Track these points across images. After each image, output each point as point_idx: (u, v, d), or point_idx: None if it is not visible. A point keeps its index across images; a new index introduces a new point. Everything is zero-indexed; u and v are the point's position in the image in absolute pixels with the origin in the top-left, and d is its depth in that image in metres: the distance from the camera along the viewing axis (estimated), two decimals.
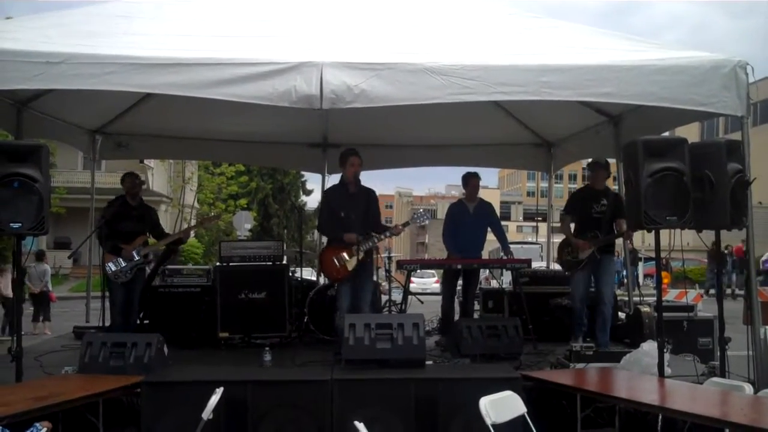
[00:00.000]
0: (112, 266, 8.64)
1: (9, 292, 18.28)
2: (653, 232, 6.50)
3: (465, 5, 8.48)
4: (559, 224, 9.54)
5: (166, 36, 6.73)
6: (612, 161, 9.45)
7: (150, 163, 35.25)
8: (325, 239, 9.34)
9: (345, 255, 8.14)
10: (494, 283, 13.59)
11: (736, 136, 7.36)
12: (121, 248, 8.70)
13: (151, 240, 9.19)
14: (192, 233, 16.04)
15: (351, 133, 11.18)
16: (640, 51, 7.07)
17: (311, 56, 6.18)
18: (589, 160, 9.65)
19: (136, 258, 8.73)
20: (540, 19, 8.16)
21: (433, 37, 7.19)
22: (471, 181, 9.90)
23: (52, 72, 5.99)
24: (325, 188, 11.54)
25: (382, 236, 8.32)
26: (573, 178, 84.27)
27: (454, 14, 8.05)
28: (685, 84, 6.60)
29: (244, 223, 30.74)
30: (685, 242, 7.39)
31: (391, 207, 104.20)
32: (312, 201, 55.06)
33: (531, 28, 7.77)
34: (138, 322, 9.22)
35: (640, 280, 25.52)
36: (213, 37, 6.77)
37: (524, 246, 32.69)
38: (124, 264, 8.68)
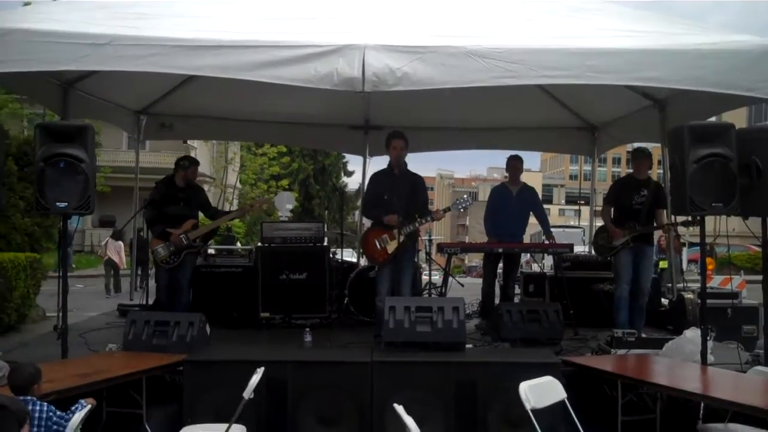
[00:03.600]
0: (160, 251, 8.64)
1: (116, 258, 19.28)
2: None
3: None
4: (600, 209, 9.51)
5: (209, 18, 6.74)
6: (657, 146, 9.35)
7: (193, 143, 35.47)
8: (366, 222, 9.37)
9: (386, 237, 8.14)
10: (535, 267, 13.54)
11: None
12: (169, 233, 8.68)
13: (205, 220, 9.19)
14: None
15: (393, 116, 11.16)
16: (687, 35, 6.95)
17: (353, 39, 6.15)
18: (634, 145, 9.56)
19: (185, 243, 8.72)
20: (585, 2, 8.06)
21: (476, 20, 7.11)
22: (514, 165, 9.85)
23: (98, 53, 6.03)
24: (367, 170, 11.62)
25: (423, 220, 8.30)
26: (617, 161, 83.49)
27: None
28: (734, 69, 6.45)
29: (286, 203, 30.84)
30: (731, 228, 7.28)
31: (432, 189, 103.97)
32: (353, 182, 55.08)
33: (576, 11, 7.65)
34: (169, 300, 9.27)
35: (684, 265, 25.21)
36: (256, 19, 6.78)
37: (566, 230, 32.47)
38: (172, 249, 8.68)
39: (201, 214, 9.28)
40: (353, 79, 6.06)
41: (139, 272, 11.93)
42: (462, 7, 7.54)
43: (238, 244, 26.84)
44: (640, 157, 9.16)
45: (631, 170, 9.42)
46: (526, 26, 7.15)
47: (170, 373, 6.30)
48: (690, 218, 7.14)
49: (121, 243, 20.29)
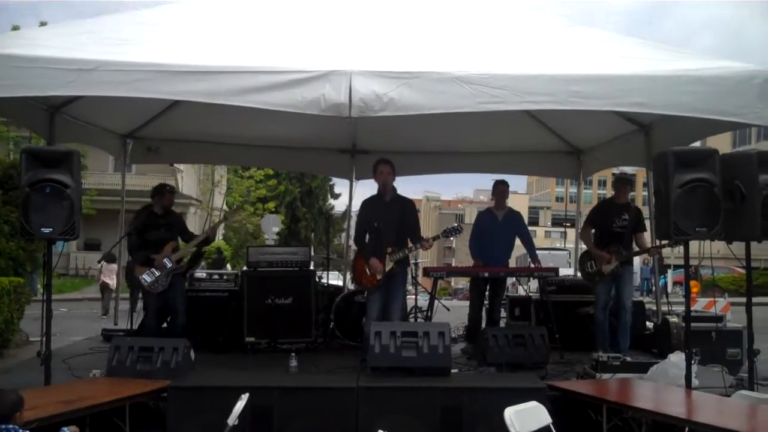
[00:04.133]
0: (147, 278, 8.57)
1: (109, 281, 19.26)
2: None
3: (494, 13, 8.46)
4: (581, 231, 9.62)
5: (195, 44, 6.76)
6: (642, 170, 9.44)
7: (180, 166, 35.46)
8: (353, 244, 9.38)
9: (373, 268, 8.15)
10: (521, 290, 13.53)
11: None
12: (152, 259, 8.64)
13: (182, 244, 9.21)
14: (220, 231, 16.14)
15: (379, 140, 11.21)
16: (671, 60, 7.01)
17: (340, 65, 6.18)
18: (621, 168, 9.68)
19: (169, 266, 8.68)
20: (570, 27, 8.13)
21: (462, 46, 7.15)
22: (500, 189, 9.89)
23: (85, 79, 6.04)
24: (353, 194, 11.64)
25: (414, 247, 8.33)
26: (602, 183, 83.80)
27: (484, 22, 8.03)
28: (718, 95, 6.51)
29: (272, 226, 30.81)
30: (715, 250, 7.32)
31: (419, 211, 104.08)
32: (340, 204, 55.22)
33: (561, 36, 7.72)
34: (165, 325, 9.25)
35: (669, 287, 25.31)
36: (242, 44, 6.80)
37: (552, 252, 32.57)
38: (158, 274, 8.63)
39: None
40: (340, 104, 6.09)
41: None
42: (447, 32, 7.59)
43: (228, 267, 26.76)
44: (622, 183, 9.52)
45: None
46: (511, 51, 7.20)
47: (154, 400, 6.26)
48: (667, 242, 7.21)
49: (114, 266, 20.18)
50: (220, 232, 15.22)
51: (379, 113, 6.21)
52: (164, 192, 9.13)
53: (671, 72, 6.63)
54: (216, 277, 11.16)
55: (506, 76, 6.39)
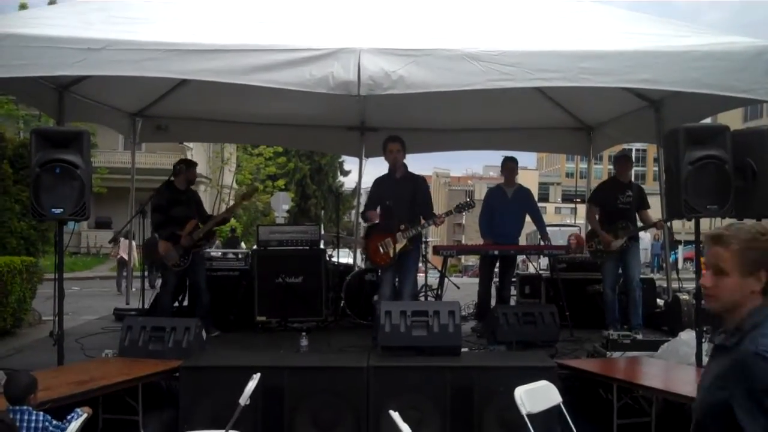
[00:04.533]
0: (173, 255, 8.66)
1: (127, 257, 19.51)
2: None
3: None
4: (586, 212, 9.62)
5: (205, 22, 6.74)
6: (652, 145, 9.42)
7: (189, 144, 35.47)
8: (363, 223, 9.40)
9: (389, 241, 8.14)
10: (530, 267, 13.52)
11: None
12: (178, 235, 8.69)
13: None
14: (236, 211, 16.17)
15: (388, 117, 11.18)
16: (681, 36, 6.95)
17: (349, 42, 6.15)
18: (627, 146, 9.65)
19: (191, 243, 8.77)
20: (579, 2, 8.07)
21: (472, 23, 7.11)
22: (509, 166, 9.87)
23: (94, 58, 6.02)
24: (363, 172, 11.63)
25: (426, 224, 8.35)
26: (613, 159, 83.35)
27: (494, 0, 7.98)
28: (728, 70, 6.45)
29: (282, 204, 30.84)
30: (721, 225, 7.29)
31: (428, 188, 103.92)
32: (349, 181, 55.13)
33: (570, 12, 7.66)
34: (177, 305, 9.29)
35: (679, 264, 25.25)
36: (251, 22, 6.78)
37: (562, 228, 32.44)
38: (181, 251, 8.71)
39: None
40: (349, 82, 6.06)
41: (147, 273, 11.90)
42: (457, 9, 7.53)
43: (243, 245, 26.80)
44: (625, 161, 9.60)
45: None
46: (521, 28, 7.16)
47: (166, 380, 6.30)
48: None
49: (133, 242, 20.41)
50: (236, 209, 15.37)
51: (387, 91, 6.18)
52: (189, 167, 9.20)
53: (680, 48, 6.58)
54: (229, 255, 11.17)
55: (516, 52, 6.34)
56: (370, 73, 6.06)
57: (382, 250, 8.21)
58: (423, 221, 8.36)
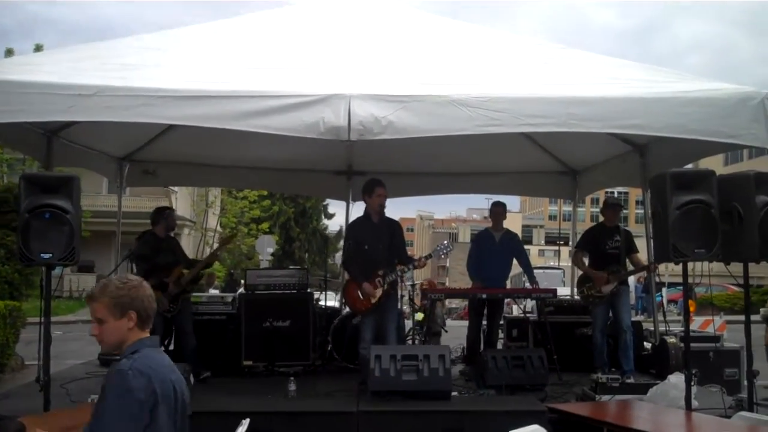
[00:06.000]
0: (161, 302, 8.60)
1: None
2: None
3: (491, 36, 8.53)
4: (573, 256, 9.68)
5: (197, 68, 6.78)
6: (634, 188, 9.53)
7: (174, 187, 35.45)
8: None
9: (368, 287, 8.12)
10: (515, 308, 13.52)
11: (760, 161, 7.35)
12: (165, 283, 8.69)
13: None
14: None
15: (376, 161, 11.22)
16: (666, 82, 7.06)
17: (339, 88, 6.19)
18: (609, 190, 9.74)
19: (179, 290, 8.79)
20: (565, 49, 8.19)
21: (460, 69, 7.20)
22: (497, 210, 9.95)
23: (85, 104, 6.03)
24: (350, 215, 11.63)
25: (406, 268, 8.33)
26: (596, 201, 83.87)
27: (481, 45, 8.09)
28: (714, 116, 6.55)
29: (267, 247, 30.77)
30: (708, 268, 7.32)
31: (412, 230, 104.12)
32: (333, 224, 55.28)
33: (557, 58, 7.79)
34: (163, 349, 9.22)
35: (664, 306, 25.30)
36: (242, 68, 6.81)
37: (546, 271, 32.51)
38: (170, 298, 8.72)
39: None
40: (339, 128, 6.09)
41: None
42: (446, 55, 7.63)
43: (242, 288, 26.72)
44: (612, 207, 9.53)
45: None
46: (509, 74, 7.24)
47: None
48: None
49: None
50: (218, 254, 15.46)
51: (378, 136, 6.21)
52: (168, 215, 9.23)
53: (668, 94, 6.68)
54: (215, 298, 11.14)
55: (505, 98, 6.41)
56: (361, 119, 6.09)
57: (360, 296, 8.17)
58: (403, 266, 8.32)
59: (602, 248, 9.15)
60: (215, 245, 35.90)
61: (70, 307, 30.54)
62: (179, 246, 9.56)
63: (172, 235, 9.53)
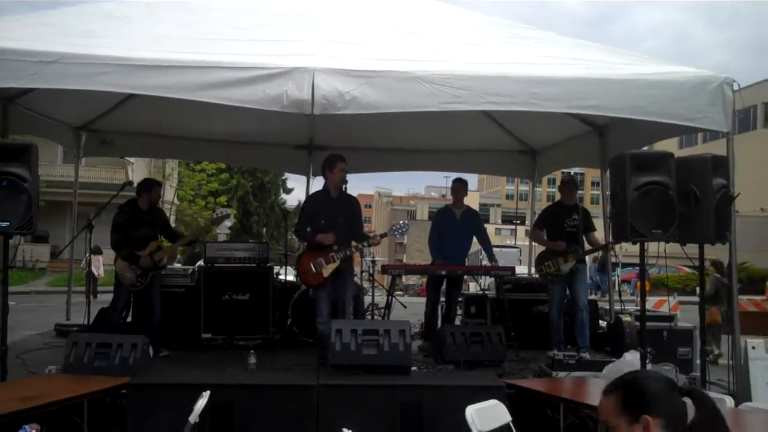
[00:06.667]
0: (128, 275, 8.53)
1: (95, 271, 20.84)
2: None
3: (457, 15, 8.54)
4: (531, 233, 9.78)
5: (159, 38, 6.72)
6: (590, 169, 9.63)
7: (130, 158, 35.04)
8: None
9: (322, 261, 8.01)
10: (472, 285, 13.61)
11: (714, 145, 7.49)
12: (137, 256, 8.57)
13: (165, 243, 9.11)
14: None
15: (337, 136, 11.20)
16: (628, 65, 7.17)
17: (303, 62, 6.19)
18: (566, 170, 9.83)
19: (151, 264, 8.65)
20: (529, 30, 8.24)
21: (425, 46, 7.22)
22: (458, 187, 10.00)
23: (46, 71, 5.97)
24: (310, 190, 11.58)
25: (361, 245, 8.31)
26: (552, 182, 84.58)
27: (446, 24, 8.13)
28: (673, 99, 6.67)
29: (225, 221, 30.58)
30: (662, 249, 7.47)
31: (370, 207, 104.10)
32: (292, 199, 55.05)
33: (521, 39, 7.84)
34: (121, 320, 9.14)
35: (618, 285, 25.71)
36: (206, 40, 6.78)
37: (503, 249, 32.75)
38: (139, 272, 8.59)
39: None
40: (302, 101, 6.09)
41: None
42: (411, 32, 7.65)
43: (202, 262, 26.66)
44: (569, 186, 9.59)
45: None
46: (473, 52, 7.28)
47: (113, 397, 6.19)
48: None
49: (100, 257, 21.48)
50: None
51: (341, 111, 6.24)
52: (152, 187, 9.07)
53: (628, 76, 6.78)
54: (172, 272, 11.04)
55: (468, 76, 6.47)
56: (324, 93, 6.11)
57: (314, 270, 8.06)
58: (358, 243, 8.30)
59: (560, 226, 9.23)
60: (172, 217, 35.63)
61: (22, 277, 30.18)
62: (165, 220, 9.43)
63: (160, 208, 9.36)
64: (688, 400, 2.37)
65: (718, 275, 12.45)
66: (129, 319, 9.37)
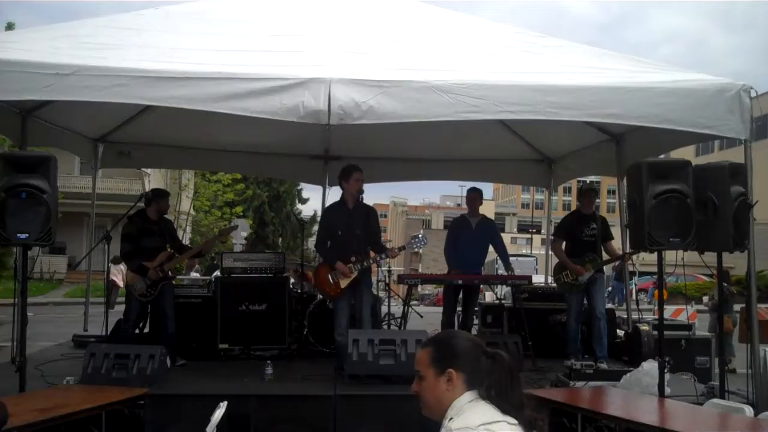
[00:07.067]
0: (138, 285, 8.57)
1: (117, 280, 19.78)
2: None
3: (473, 24, 8.55)
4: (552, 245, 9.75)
5: (175, 49, 6.74)
6: (607, 177, 9.60)
7: (147, 169, 35.20)
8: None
9: (339, 272, 8.08)
10: (488, 295, 13.55)
11: (731, 153, 7.44)
12: (146, 267, 8.60)
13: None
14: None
15: (352, 146, 11.21)
16: (644, 72, 7.13)
17: (320, 72, 6.20)
18: (582, 179, 9.81)
19: (161, 275, 8.67)
20: (545, 38, 8.22)
21: (441, 56, 7.23)
22: (473, 197, 9.98)
23: (62, 83, 6.00)
24: (326, 200, 11.60)
25: (379, 258, 8.32)
26: (568, 190, 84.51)
27: (462, 33, 8.12)
28: (691, 107, 6.64)
29: (241, 231, 30.66)
30: (680, 257, 7.44)
31: (385, 216, 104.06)
32: (307, 209, 55.07)
33: (537, 48, 7.81)
34: (138, 331, 9.16)
35: (633, 294, 25.58)
36: (223, 51, 6.79)
37: (519, 258, 32.71)
38: (149, 282, 8.61)
39: None
40: (319, 111, 6.10)
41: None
42: (427, 41, 7.65)
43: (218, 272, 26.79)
44: (590, 195, 9.65)
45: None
46: (489, 61, 7.28)
47: (130, 408, 6.20)
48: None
49: (121, 266, 21.14)
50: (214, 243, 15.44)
51: (357, 121, 6.24)
52: (161, 197, 9.09)
53: (646, 84, 6.75)
54: (186, 281, 11.07)
55: (484, 85, 6.45)
56: (341, 103, 6.11)
57: (331, 281, 8.09)
58: (374, 254, 8.30)
59: (579, 235, 9.24)
60: (188, 228, 35.77)
61: (41, 288, 30.36)
62: (172, 230, 9.44)
63: (167, 218, 9.42)
64: (490, 360, 2.62)
65: (725, 284, 12.38)
66: (146, 330, 9.41)
